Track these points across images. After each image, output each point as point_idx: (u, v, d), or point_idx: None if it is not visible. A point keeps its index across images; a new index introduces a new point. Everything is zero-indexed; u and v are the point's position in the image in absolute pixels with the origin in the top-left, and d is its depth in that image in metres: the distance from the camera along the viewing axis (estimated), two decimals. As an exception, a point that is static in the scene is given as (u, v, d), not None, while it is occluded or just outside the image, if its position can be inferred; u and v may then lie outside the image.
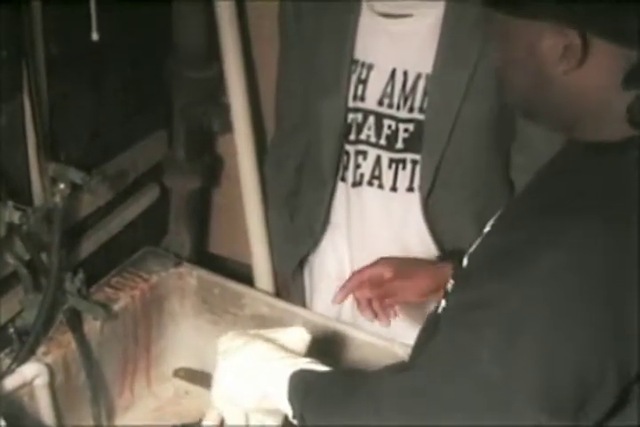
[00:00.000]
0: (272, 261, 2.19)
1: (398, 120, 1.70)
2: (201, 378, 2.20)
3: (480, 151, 1.73)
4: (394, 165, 1.73)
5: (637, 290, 1.00)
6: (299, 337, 1.43)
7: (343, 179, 1.81)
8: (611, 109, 1.08)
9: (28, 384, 1.77)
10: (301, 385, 1.26)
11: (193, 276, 2.14)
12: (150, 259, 2.15)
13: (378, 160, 1.74)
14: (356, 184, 1.78)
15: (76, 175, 1.72)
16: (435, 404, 1.09)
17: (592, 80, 1.07)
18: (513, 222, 1.15)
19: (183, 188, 2.24)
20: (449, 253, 1.63)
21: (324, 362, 1.33)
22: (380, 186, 1.76)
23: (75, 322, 1.88)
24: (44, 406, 1.83)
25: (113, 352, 2.03)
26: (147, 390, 2.19)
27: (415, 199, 1.75)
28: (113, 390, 2.08)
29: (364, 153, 1.75)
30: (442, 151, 1.68)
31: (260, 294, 2.10)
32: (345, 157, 1.78)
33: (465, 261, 1.27)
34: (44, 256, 1.77)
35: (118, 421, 2.10)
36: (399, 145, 1.71)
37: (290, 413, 1.27)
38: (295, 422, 1.29)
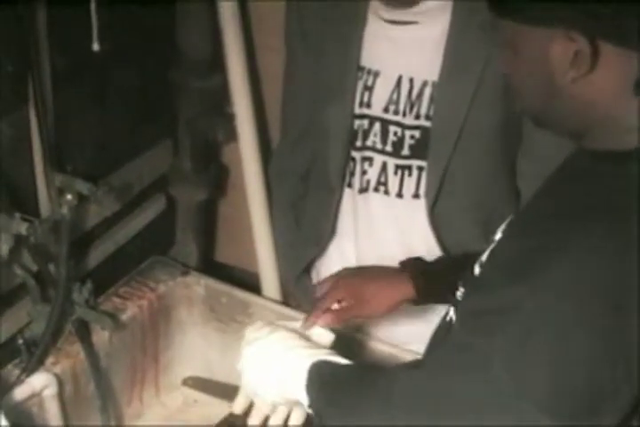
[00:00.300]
0: (279, 269, 2.19)
1: (404, 127, 1.70)
2: (210, 387, 2.20)
3: (486, 158, 1.73)
4: (400, 172, 1.73)
5: None
6: (324, 334, 1.48)
7: (350, 185, 1.81)
8: (621, 118, 1.07)
9: (37, 395, 1.78)
10: (319, 376, 1.28)
11: (200, 285, 2.14)
12: (158, 268, 2.16)
13: (384, 167, 1.74)
14: (363, 190, 1.79)
15: (83, 186, 1.72)
16: (443, 405, 1.10)
17: (602, 88, 1.06)
18: (524, 229, 1.15)
19: (189, 198, 2.25)
20: (408, 261, 1.62)
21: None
22: (386, 192, 1.76)
23: (83, 332, 1.88)
24: (53, 417, 1.83)
25: (121, 362, 2.03)
26: (155, 400, 2.19)
27: (421, 206, 1.75)
28: (122, 400, 2.08)
29: (370, 159, 1.75)
30: (448, 158, 1.69)
31: (268, 303, 2.11)
32: (351, 164, 1.78)
33: (477, 269, 1.26)
34: (51, 267, 1.77)
35: (128, 430, 2.11)
36: (405, 152, 1.71)
37: (306, 403, 1.30)
38: (310, 411, 1.31)
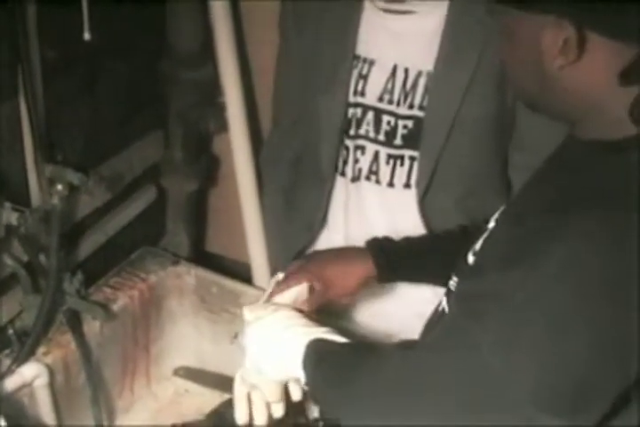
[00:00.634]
0: (269, 259, 2.19)
1: (398, 116, 1.70)
2: (201, 377, 2.21)
3: (478, 150, 1.73)
4: (392, 161, 1.74)
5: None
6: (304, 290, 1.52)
7: (343, 173, 1.81)
8: (609, 108, 1.08)
9: (28, 385, 1.78)
10: (315, 354, 1.30)
11: (191, 275, 2.15)
12: (148, 259, 2.16)
13: (376, 156, 1.74)
14: (355, 179, 1.79)
15: (74, 176, 1.73)
16: (431, 385, 1.11)
17: (588, 77, 1.08)
18: (517, 217, 1.16)
19: (180, 188, 2.25)
20: (373, 240, 1.63)
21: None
22: (378, 181, 1.76)
23: (74, 323, 1.88)
24: (44, 407, 1.83)
25: (113, 352, 2.04)
26: (147, 390, 2.20)
27: (412, 196, 1.75)
28: (113, 390, 2.08)
29: (363, 148, 1.75)
30: (440, 149, 1.69)
31: (258, 293, 2.10)
32: (344, 152, 1.78)
33: (470, 258, 1.27)
34: (42, 257, 1.77)
35: (119, 420, 2.11)
36: (398, 141, 1.72)
37: (303, 380, 1.32)
38: (307, 388, 1.34)
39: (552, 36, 1.06)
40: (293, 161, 1.93)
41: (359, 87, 1.71)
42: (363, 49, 1.69)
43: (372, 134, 1.73)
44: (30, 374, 1.77)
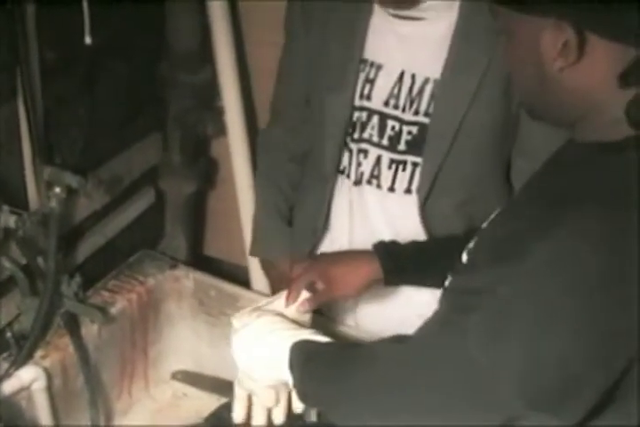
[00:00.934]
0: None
1: (403, 122, 1.70)
2: (199, 380, 2.21)
3: (481, 157, 1.73)
4: (394, 166, 1.73)
5: (630, 286, 1.00)
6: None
7: (348, 176, 1.81)
8: (608, 109, 1.09)
9: (25, 388, 1.77)
10: (302, 354, 1.32)
11: (189, 278, 2.14)
12: (146, 262, 2.16)
13: (378, 160, 1.74)
14: (357, 182, 1.78)
15: (72, 179, 1.72)
16: (419, 377, 1.12)
17: (588, 79, 1.08)
18: (512, 215, 1.17)
19: (179, 191, 2.25)
20: (380, 244, 1.64)
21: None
22: (379, 186, 1.76)
23: (72, 326, 1.88)
24: (42, 410, 1.83)
25: (111, 355, 2.03)
26: (145, 393, 2.19)
27: (412, 201, 1.75)
28: (111, 393, 2.08)
29: (366, 152, 1.75)
30: (443, 156, 1.68)
31: (257, 296, 2.10)
32: (349, 155, 1.78)
33: (464, 257, 1.27)
34: (40, 260, 1.77)
35: (117, 423, 2.10)
36: (401, 147, 1.71)
37: (290, 382, 1.33)
38: (294, 390, 1.34)
39: (552, 38, 1.07)
40: (299, 159, 1.93)
41: (365, 91, 1.71)
42: (370, 53, 1.69)
43: (375, 138, 1.73)
44: (28, 378, 1.77)
